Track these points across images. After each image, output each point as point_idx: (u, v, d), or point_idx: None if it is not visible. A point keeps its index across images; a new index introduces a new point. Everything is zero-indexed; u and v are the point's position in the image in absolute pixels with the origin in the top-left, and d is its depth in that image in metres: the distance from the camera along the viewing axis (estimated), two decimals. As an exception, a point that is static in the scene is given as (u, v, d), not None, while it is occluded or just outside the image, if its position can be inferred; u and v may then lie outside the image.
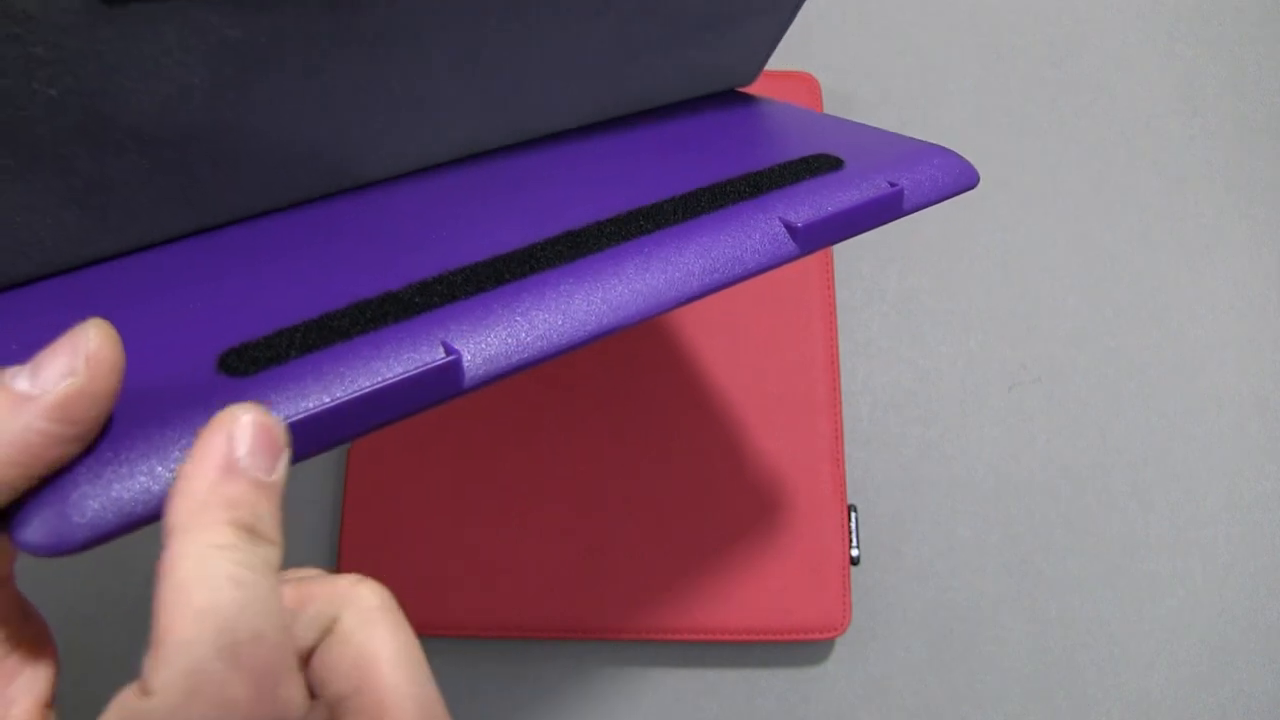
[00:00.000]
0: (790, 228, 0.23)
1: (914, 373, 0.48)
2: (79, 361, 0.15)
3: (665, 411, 0.45)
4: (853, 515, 0.44)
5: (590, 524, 0.43)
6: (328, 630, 0.18)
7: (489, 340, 0.19)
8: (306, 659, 0.18)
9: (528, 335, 0.19)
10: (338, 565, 0.43)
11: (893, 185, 0.25)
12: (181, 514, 0.15)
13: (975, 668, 0.44)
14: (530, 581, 0.43)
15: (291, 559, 0.46)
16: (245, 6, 0.19)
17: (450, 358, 0.18)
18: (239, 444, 0.16)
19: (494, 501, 0.44)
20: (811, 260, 0.47)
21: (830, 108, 0.52)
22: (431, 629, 0.42)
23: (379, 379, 0.18)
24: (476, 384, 0.19)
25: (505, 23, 0.24)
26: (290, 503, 0.50)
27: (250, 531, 0.16)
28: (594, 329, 0.20)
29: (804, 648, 0.45)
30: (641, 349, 0.46)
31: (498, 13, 0.24)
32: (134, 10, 0.18)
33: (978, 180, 0.27)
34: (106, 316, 0.20)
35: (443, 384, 0.18)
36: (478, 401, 0.45)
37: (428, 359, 0.18)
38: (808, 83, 0.50)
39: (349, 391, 0.17)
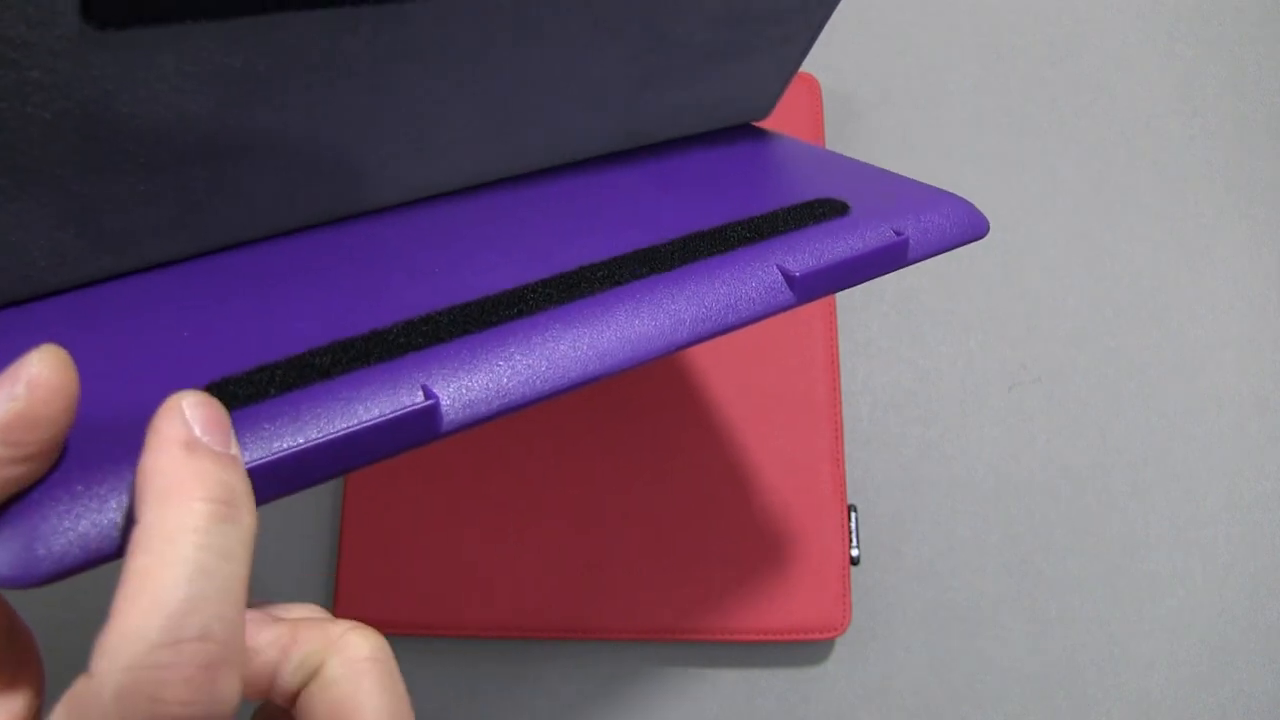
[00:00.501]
0: (788, 277, 0.23)
1: (914, 373, 0.48)
2: (19, 387, 0.15)
3: (666, 412, 0.45)
4: (853, 515, 0.44)
5: (590, 524, 0.43)
6: (313, 674, 0.18)
7: (470, 385, 0.19)
8: (293, 700, 0.18)
9: (510, 381, 0.19)
10: (337, 569, 0.43)
11: (898, 234, 0.25)
12: (151, 492, 0.15)
13: (975, 668, 0.44)
14: (530, 581, 0.43)
15: (291, 563, 0.46)
16: (242, 34, 0.19)
17: (428, 402, 0.18)
18: (193, 424, 0.16)
19: (494, 496, 0.44)
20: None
21: (830, 108, 0.52)
22: (431, 629, 0.42)
23: (355, 422, 0.17)
24: (455, 429, 0.19)
25: (506, 49, 0.24)
26: (291, 507, 0.50)
27: (224, 504, 0.16)
28: (578, 377, 0.20)
29: (804, 648, 0.45)
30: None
31: (500, 39, 0.24)
32: (129, 37, 0.18)
33: (987, 230, 0.27)
34: (94, 340, 0.20)
35: (420, 429, 0.18)
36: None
37: (405, 403, 0.18)
38: (808, 83, 0.50)
39: (324, 434, 0.17)
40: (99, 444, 0.16)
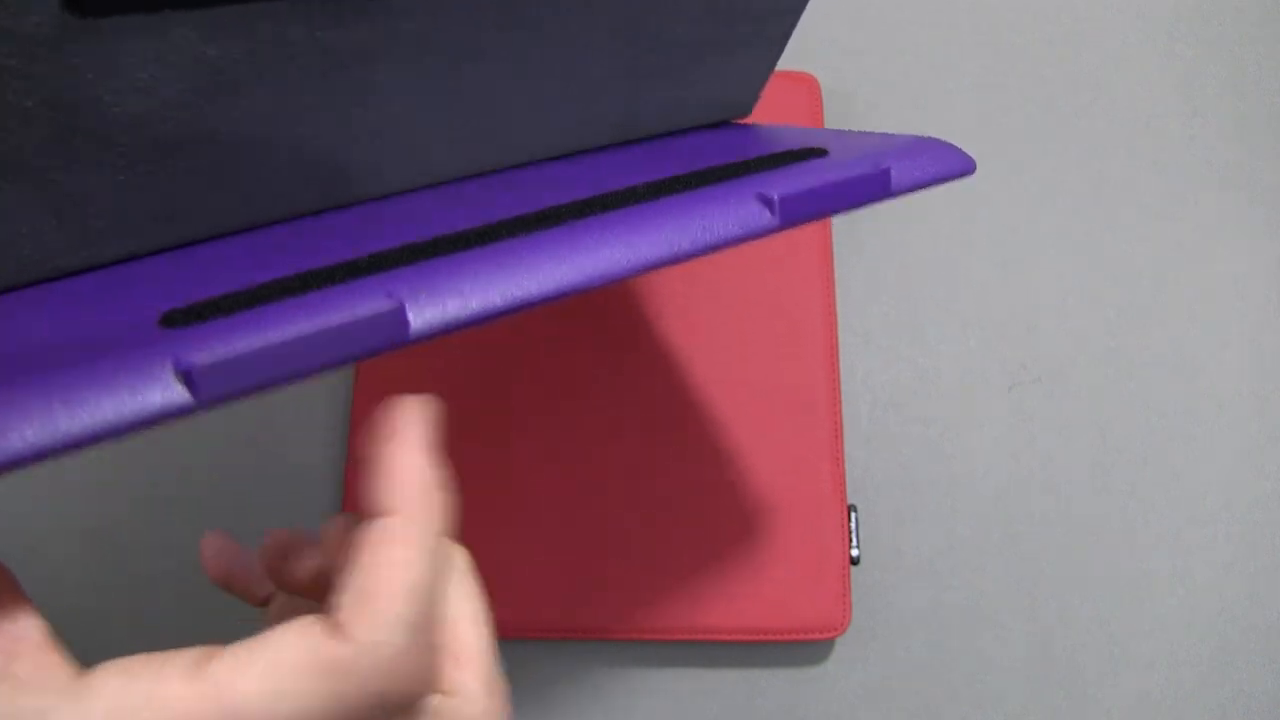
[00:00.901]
0: (766, 200, 0.23)
1: (914, 371, 0.48)
2: None
3: (665, 411, 0.45)
4: (853, 515, 0.44)
5: (588, 526, 0.43)
6: None
7: (438, 290, 0.19)
8: None
9: (480, 290, 0.19)
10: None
11: (878, 166, 0.25)
12: (408, 488, 0.18)
13: (975, 668, 0.44)
14: (529, 582, 0.43)
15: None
16: (222, 24, 0.19)
17: (393, 303, 0.18)
18: (428, 428, 0.19)
19: (489, 502, 0.44)
20: (810, 258, 0.47)
21: (830, 107, 0.52)
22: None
23: (319, 323, 0.17)
24: (423, 332, 0.18)
25: (482, 47, 0.24)
26: (292, 507, 0.50)
27: (447, 511, 0.18)
28: (551, 288, 0.20)
29: (804, 648, 0.44)
30: (641, 347, 0.46)
31: (487, 38, 0.24)
32: (109, 25, 0.18)
33: (974, 168, 0.26)
34: (57, 302, 0.20)
35: (385, 330, 0.18)
36: (469, 403, 0.45)
37: (370, 305, 0.18)
38: (807, 83, 0.50)
39: (288, 333, 0.17)
40: (52, 357, 0.16)
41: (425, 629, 0.17)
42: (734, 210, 0.22)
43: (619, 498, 0.44)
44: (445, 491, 0.19)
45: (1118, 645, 0.45)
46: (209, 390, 0.16)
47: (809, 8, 0.54)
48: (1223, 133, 0.53)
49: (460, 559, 0.21)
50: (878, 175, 0.24)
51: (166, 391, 0.16)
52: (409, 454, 0.18)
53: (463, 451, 0.44)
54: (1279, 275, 0.50)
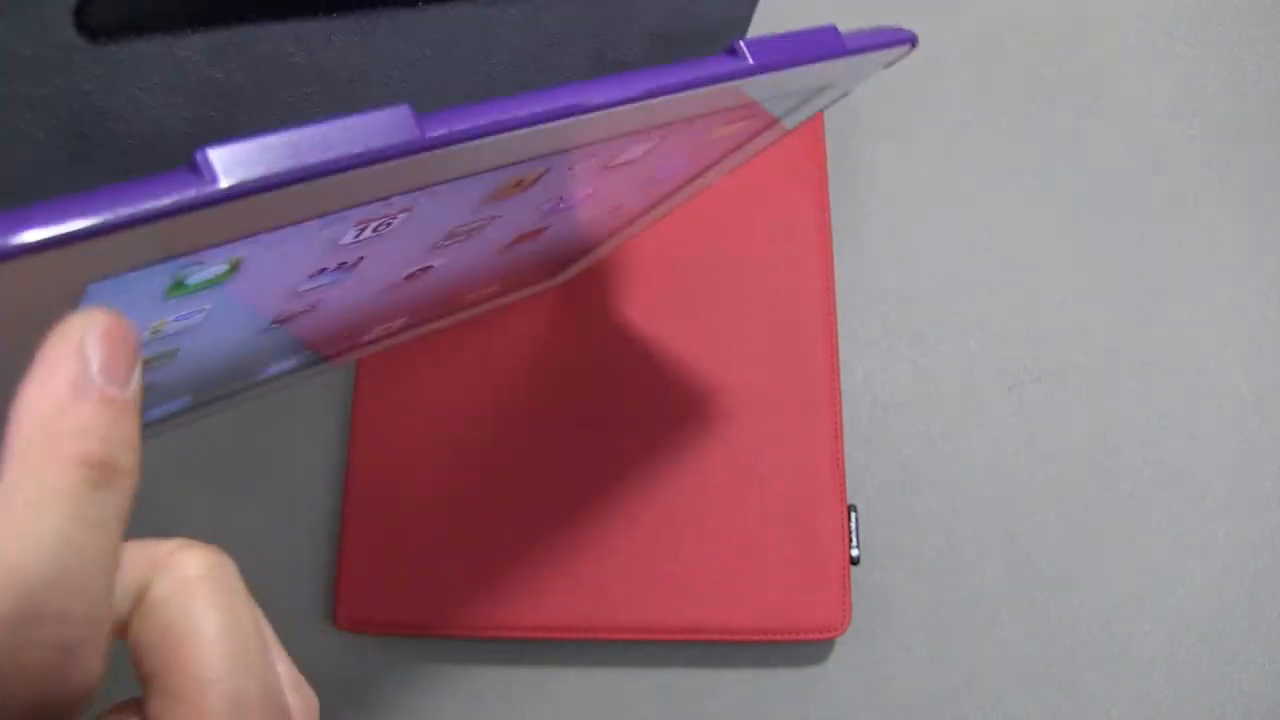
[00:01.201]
0: (733, 50, 0.24)
1: (914, 372, 0.48)
2: None
3: (664, 411, 0.45)
4: (853, 515, 0.44)
5: (589, 525, 0.43)
6: (140, 598, 0.16)
7: (452, 110, 0.20)
8: (124, 630, 0.16)
9: (485, 109, 0.20)
10: (337, 569, 0.43)
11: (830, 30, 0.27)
12: (22, 440, 0.13)
13: (975, 668, 0.44)
14: (530, 582, 0.43)
15: (291, 563, 0.46)
16: (225, 45, 0.19)
17: (410, 110, 0.18)
18: (91, 358, 0.14)
19: (494, 499, 0.44)
20: (810, 257, 0.47)
21: (829, 107, 0.52)
22: (432, 629, 0.42)
23: (340, 121, 0.17)
24: (439, 136, 0.19)
25: (467, 67, 0.25)
26: (291, 508, 0.49)
27: (101, 467, 0.14)
28: (545, 109, 0.21)
29: (804, 648, 0.45)
30: (640, 348, 0.46)
31: (459, 59, 0.24)
32: (120, 49, 0.18)
33: (914, 39, 0.29)
34: None
35: (406, 129, 0.18)
36: (464, 406, 0.45)
37: (389, 110, 0.18)
38: (808, 82, 0.50)
39: (307, 129, 0.17)
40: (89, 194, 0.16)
41: (36, 630, 0.13)
42: (706, 61, 0.24)
43: (619, 499, 0.44)
44: (95, 442, 0.14)
45: (1118, 645, 0.45)
46: (230, 174, 0.15)
47: (808, 9, 0.54)
48: (1223, 133, 0.53)
49: (196, 561, 0.16)
50: (830, 31, 0.27)
51: (188, 177, 0.15)
52: (34, 390, 0.14)
53: (463, 452, 0.44)
54: (1279, 275, 0.50)
